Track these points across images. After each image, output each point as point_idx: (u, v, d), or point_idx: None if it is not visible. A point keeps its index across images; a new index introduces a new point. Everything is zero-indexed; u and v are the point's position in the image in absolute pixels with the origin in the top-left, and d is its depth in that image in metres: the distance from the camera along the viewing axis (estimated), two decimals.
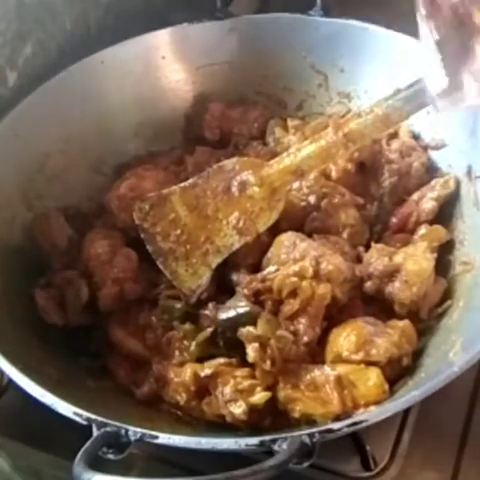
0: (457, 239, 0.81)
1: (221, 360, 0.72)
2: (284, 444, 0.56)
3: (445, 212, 0.83)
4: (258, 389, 0.69)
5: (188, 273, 0.79)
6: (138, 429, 0.59)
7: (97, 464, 0.55)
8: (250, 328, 0.71)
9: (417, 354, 0.72)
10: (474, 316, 0.71)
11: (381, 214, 0.84)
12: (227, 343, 0.73)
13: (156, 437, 0.59)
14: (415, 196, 0.84)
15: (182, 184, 0.82)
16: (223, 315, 0.73)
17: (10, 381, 0.72)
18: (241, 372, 0.70)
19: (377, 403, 0.66)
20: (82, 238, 0.84)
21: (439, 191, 0.83)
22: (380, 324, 0.72)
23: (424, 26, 0.67)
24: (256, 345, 0.70)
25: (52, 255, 0.84)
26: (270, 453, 0.56)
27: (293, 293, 0.72)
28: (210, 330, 0.74)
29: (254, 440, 0.58)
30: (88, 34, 0.98)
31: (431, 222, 0.82)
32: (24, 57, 0.89)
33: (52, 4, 0.91)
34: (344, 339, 0.70)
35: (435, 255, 0.77)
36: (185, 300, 0.78)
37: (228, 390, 0.69)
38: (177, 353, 0.74)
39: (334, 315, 0.74)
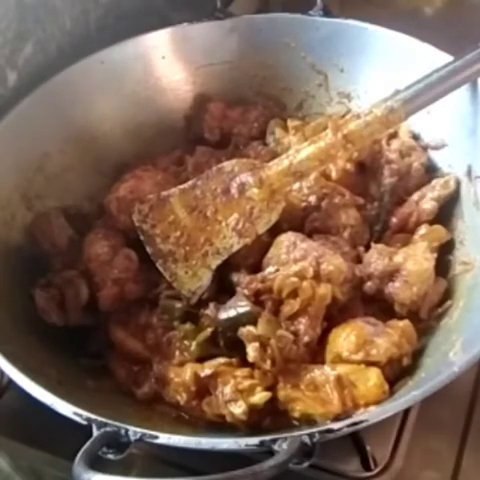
0: (457, 239, 0.81)
1: (221, 360, 0.72)
2: (284, 444, 0.56)
3: (445, 212, 0.83)
4: (258, 389, 0.69)
5: (187, 275, 0.79)
6: (138, 429, 0.59)
7: (97, 464, 0.55)
8: (250, 328, 0.71)
9: (417, 354, 0.72)
10: (474, 316, 0.71)
11: (381, 214, 0.84)
12: (227, 343, 0.73)
13: (156, 437, 0.59)
14: (415, 196, 0.84)
15: (181, 186, 0.82)
16: (223, 315, 0.73)
17: (10, 381, 0.72)
18: (241, 372, 0.70)
19: (377, 403, 0.66)
20: (82, 238, 0.84)
21: (439, 191, 0.83)
22: (380, 324, 0.72)
23: None
24: (256, 345, 0.70)
25: (52, 255, 0.84)
26: (270, 453, 0.56)
27: (293, 293, 0.72)
28: (210, 330, 0.74)
29: (254, 440, 0.58)
30: (88, 34, 0.98)
31: (431, 222, 0.82)
32: (24, 57, 0.88)
33: (52, 4, 0.91)
34: (344, 339, 0.70)
35: (435, 255, 0.77)
36: (186, 300, 0.78)
37: (228, 390, 0.69)
38: (177, 353, 0.74)
39: (334, 315, 0.74)
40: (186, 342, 0.75)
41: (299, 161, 0.79)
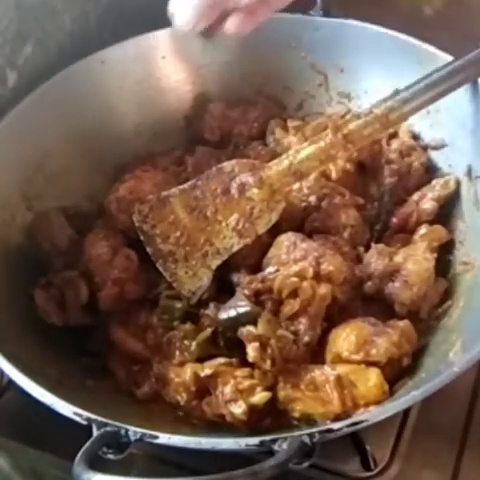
0: (457, 239, 0.81)
1: (221, 360, 0.72)
2: (284, 444, 0.56)
3: (445, 212, 0.83)
4: (258, 389, 0.69)
5: (187, 275, 0.79)
6: (138, 429, 0.59)
7: (97, 464, 0.55)
8: (250, 328, 0.71)
9: (417, 354, 0.72)
10: (474, 316, 0.71)
11: (381, 214, 0.84)
12: (227, 343, 0.73)
13: (156, 437, 0.59)
14: (415, 196, 0.84)
15: (181, 186, 0.82)
16: (224, 315, 0.73)
17: (10, 381, 0.72)
18: (241, 372, 0.70)
19: (377, 403, 0.66)
20: (82, 238, 0.84)
21: (439, 191, 0.83)
22: (380, 324, 0.72)
23: None
24: (256, 345, 0.70)
25: (52, 255, 0.84)
26: (270, 453, 0.56)
27: (293, 293, 0.72)
28: (210, 330, 0.74)
29: (254, 440, 0.58)
30: (88, 34, 0.98)
31: (431, 222, 0.82)
32: (24, 57, 0.88)
33: (52, 4, 0.91)
34: (344, 339, 0.70)
35: (435, 255, 0.77)
36: (186, 300, 0.78)
37: (228, 390, 0.69)
38: (177, 353, 0.74)
39: (334, 315, 0.74)
40: (186, 342, 0.75)
41: (299, 161, 0.79)
